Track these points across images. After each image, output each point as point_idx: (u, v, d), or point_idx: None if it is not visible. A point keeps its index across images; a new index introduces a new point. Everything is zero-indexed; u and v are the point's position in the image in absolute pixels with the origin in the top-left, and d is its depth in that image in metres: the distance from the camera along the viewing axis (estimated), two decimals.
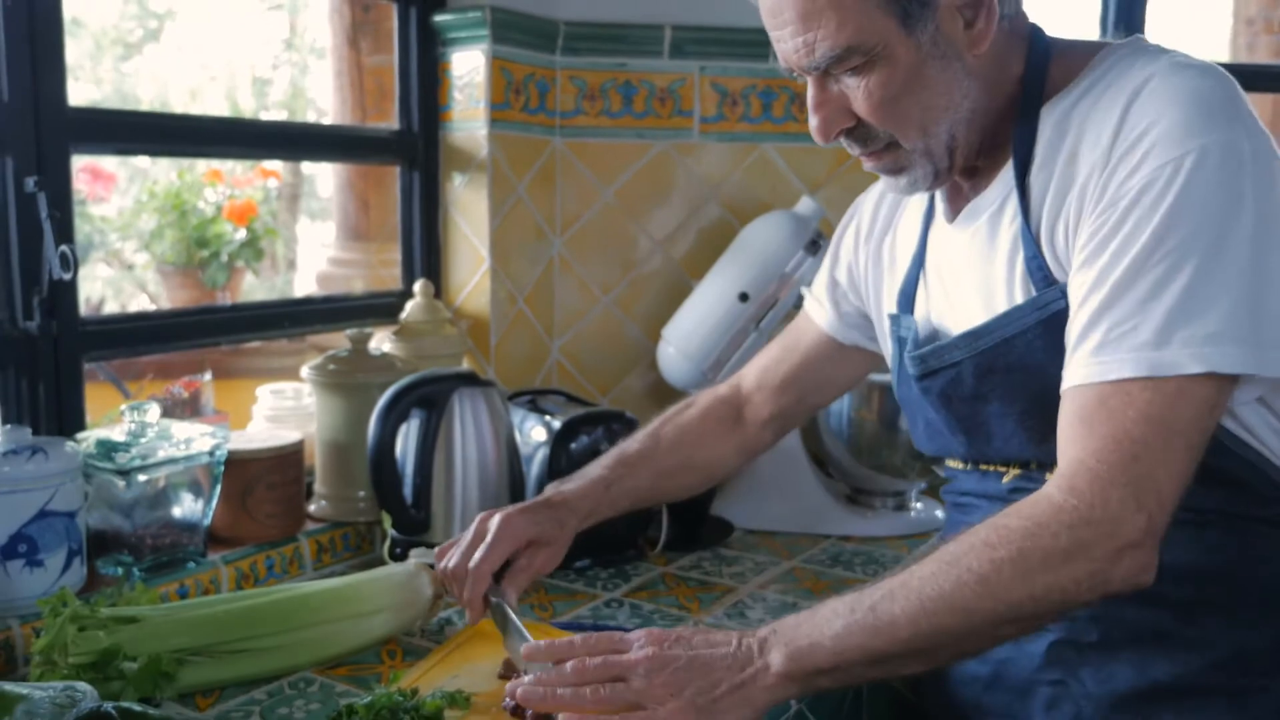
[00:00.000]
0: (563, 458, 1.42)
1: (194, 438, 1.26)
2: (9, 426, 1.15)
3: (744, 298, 1.62)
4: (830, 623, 0.88)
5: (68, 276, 1.20)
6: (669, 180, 1.82)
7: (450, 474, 1.35)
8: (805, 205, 1.65)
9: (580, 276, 1.83)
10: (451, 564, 1.15)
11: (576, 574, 1.40)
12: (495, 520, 1.16)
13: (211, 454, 1.27)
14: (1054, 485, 0.88)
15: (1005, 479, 1.06)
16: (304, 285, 3.69)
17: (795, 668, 0.87)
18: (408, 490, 1.35)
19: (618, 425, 1.45)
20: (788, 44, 0.95)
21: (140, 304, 3.36)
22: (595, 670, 0.91)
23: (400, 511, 1.33)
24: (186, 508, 1.28)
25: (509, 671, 1.08)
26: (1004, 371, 1.01)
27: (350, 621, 1.14)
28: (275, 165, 3.22)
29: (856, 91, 0.96)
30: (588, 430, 1.44)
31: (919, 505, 1.66)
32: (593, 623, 1.25)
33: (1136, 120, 0.90)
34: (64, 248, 1.20)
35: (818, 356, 1.29)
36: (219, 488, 1.29)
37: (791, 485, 1.61)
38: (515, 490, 1.39)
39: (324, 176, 4.58)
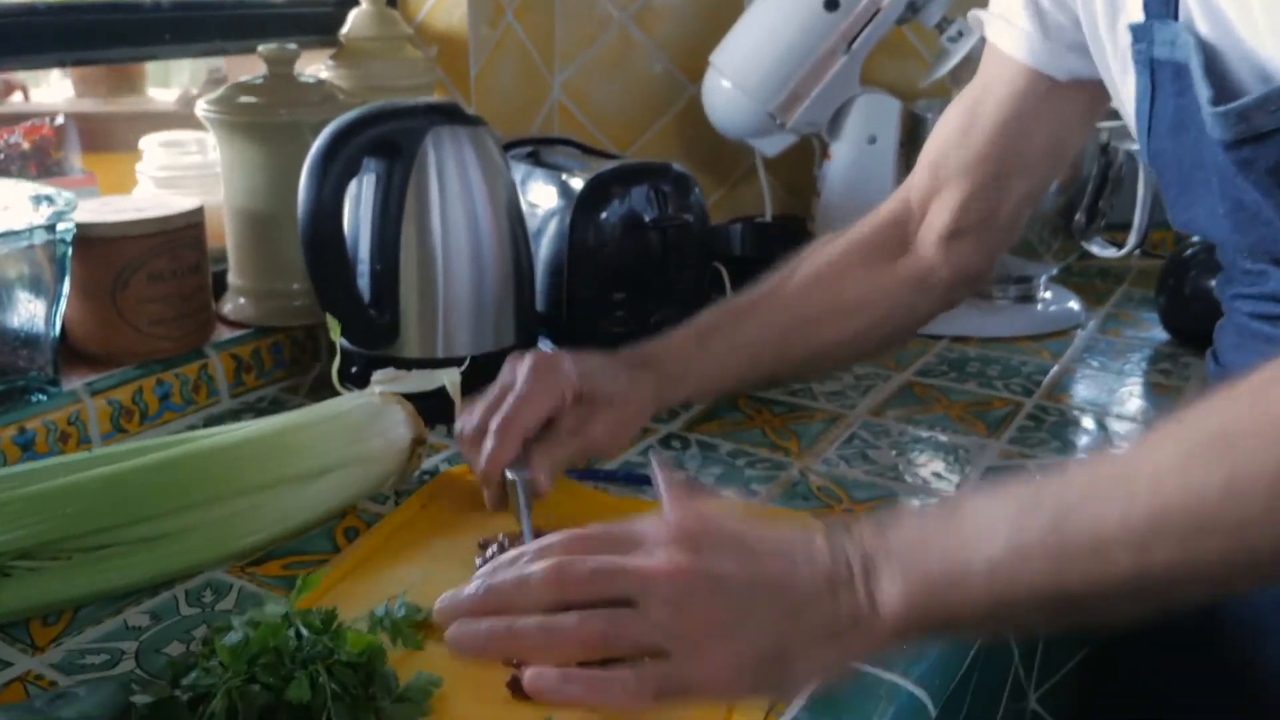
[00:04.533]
0: (589, 232, 0.98)
1: (18, 202, 0.80)
2: None
3: (832, 6, 1.14)
4: (984, 540, 0.51)
5: None
6: None
7: (428, 254, 0.90)
8: None
9: None
10: (468, 425, 0.75)
11: None
12: (528, 360, 0.75)
13: (50, 228, 0.81)
14: None
15: None
16: None
17: (921, 613, 0.52)
18: (364, 281, 0.91)
19: (666, 185, 1.00)
20: None
21: None
22: (584, 581, 0.55)
23: (354, 313, 0.89)
24: (22, 312, 0.83)
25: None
26: None
27: (286, 488, 0.72)
28: None
29: None
30: (620, 191, 0.99)
31: (1048, 295, 1.24)
32: (641, 473, 0.84)
33: None
34: None
35: (1018, 110, 0.82)
36: (67, 280, 0.84)
37: None
38: (523, 281, 0.95)
39: None
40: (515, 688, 0.56)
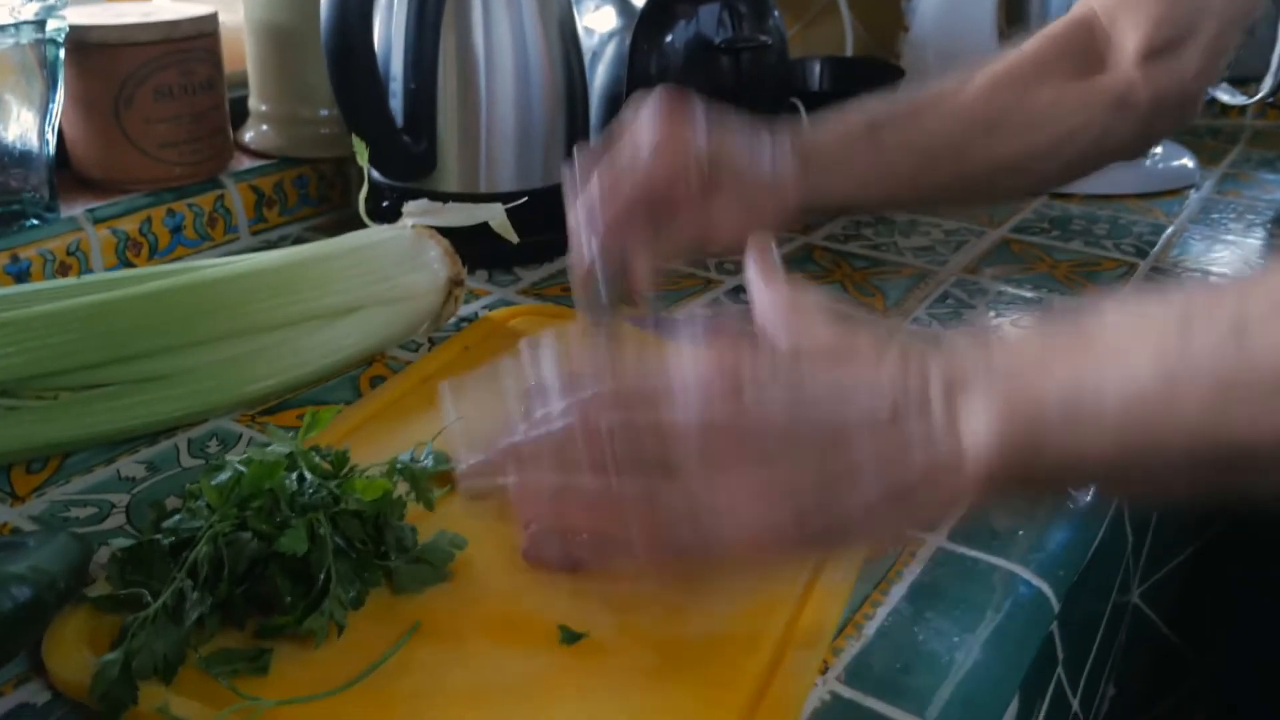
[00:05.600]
0: (651, 57, 0.86)
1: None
2: None
3: None
4: (1125, 359, 0.37)
5: None
6: None
7: (469, 73, 0.79)
8: None
9: None
10: (573, 181, 0.62)
11: None
12: (654, 116, 0.60)
13: (40, 24, 0.70)
14: None
15: None
16: None
17: (1022, 453, 0.38)
18: (397, 102, 0.80)
19: (740, 2, 0.88)
20: None
21: None
22: (607, 440, 0.43)
23: (385, 139, 0.78)
24: (11, 125, 0.73)
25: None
26: None
27: (305, 327, 0.64)
28: None
29: None
30: (688, 10, 0.87)
31: (1159, 151, 1.11)
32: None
33: None
34: None
35: None
36: (60, 89, 0.74)
37: None
38: (576, 110, 0.84)
39: None
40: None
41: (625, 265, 0.60)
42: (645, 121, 0.60)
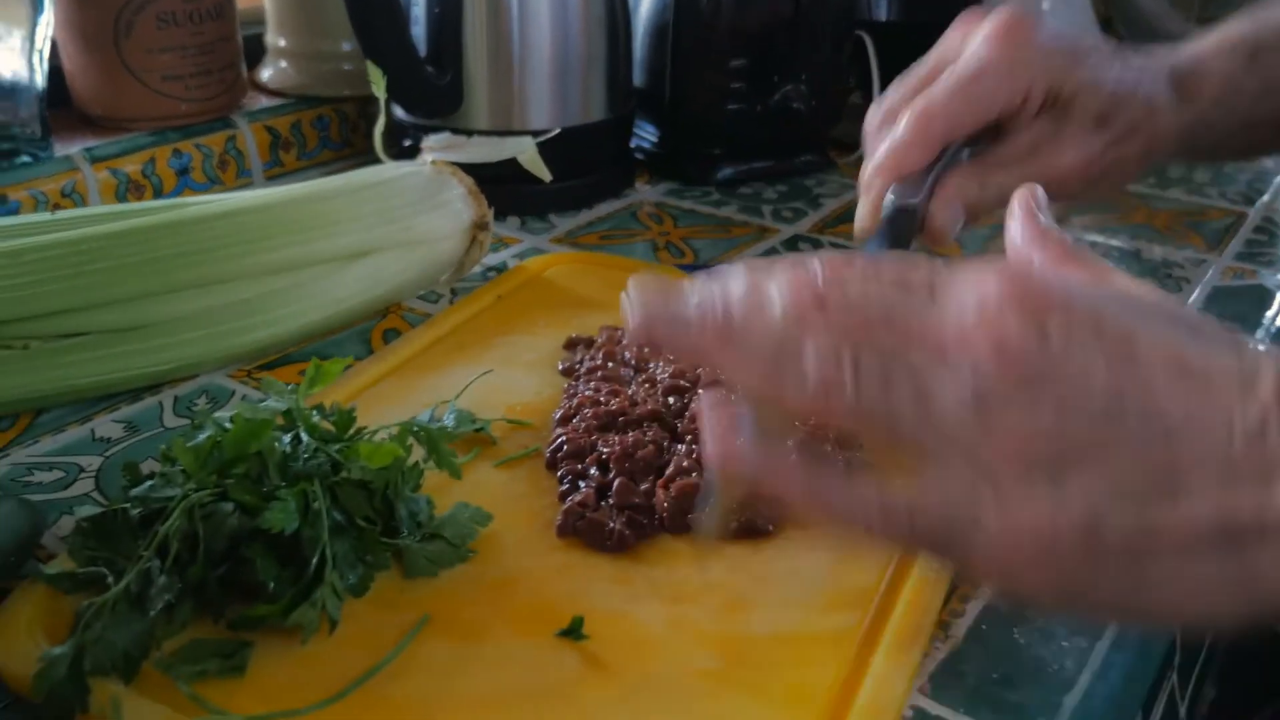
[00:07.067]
0: None
1: None
2: None
3: None
4: None
5: None
6: None
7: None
8: None
9: None
10: (879, 109, 0.50)
11: (721, 192, 0.81)
12: (989, 24, 0.49)
13: None
14: None
15: None
16: None
17: None
18: (419, 29, 0.73)
19: None
20: None
21: None
22: (849, 319, 0.29)
23: (406, 70, 0.71)
24: (2, 57, 0.66)
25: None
26: None
27: (310, 272, 0.56)
28: None
29: None
30: None
31: None
32: None
33: None
34: None
35: None
36: (48, 10, 0.67)
37: None
38: (618, 43, 0.76)
39: None
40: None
41: (914, 207, 0.47)
42: (977, 43, 0.48)
